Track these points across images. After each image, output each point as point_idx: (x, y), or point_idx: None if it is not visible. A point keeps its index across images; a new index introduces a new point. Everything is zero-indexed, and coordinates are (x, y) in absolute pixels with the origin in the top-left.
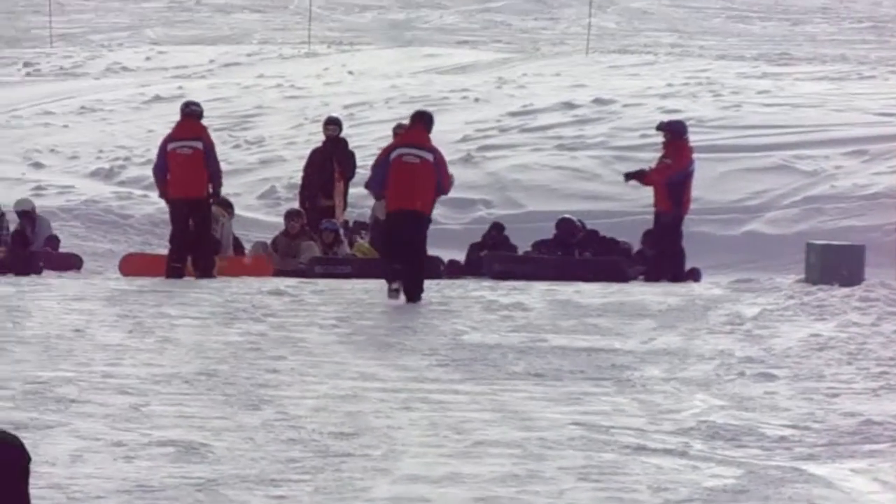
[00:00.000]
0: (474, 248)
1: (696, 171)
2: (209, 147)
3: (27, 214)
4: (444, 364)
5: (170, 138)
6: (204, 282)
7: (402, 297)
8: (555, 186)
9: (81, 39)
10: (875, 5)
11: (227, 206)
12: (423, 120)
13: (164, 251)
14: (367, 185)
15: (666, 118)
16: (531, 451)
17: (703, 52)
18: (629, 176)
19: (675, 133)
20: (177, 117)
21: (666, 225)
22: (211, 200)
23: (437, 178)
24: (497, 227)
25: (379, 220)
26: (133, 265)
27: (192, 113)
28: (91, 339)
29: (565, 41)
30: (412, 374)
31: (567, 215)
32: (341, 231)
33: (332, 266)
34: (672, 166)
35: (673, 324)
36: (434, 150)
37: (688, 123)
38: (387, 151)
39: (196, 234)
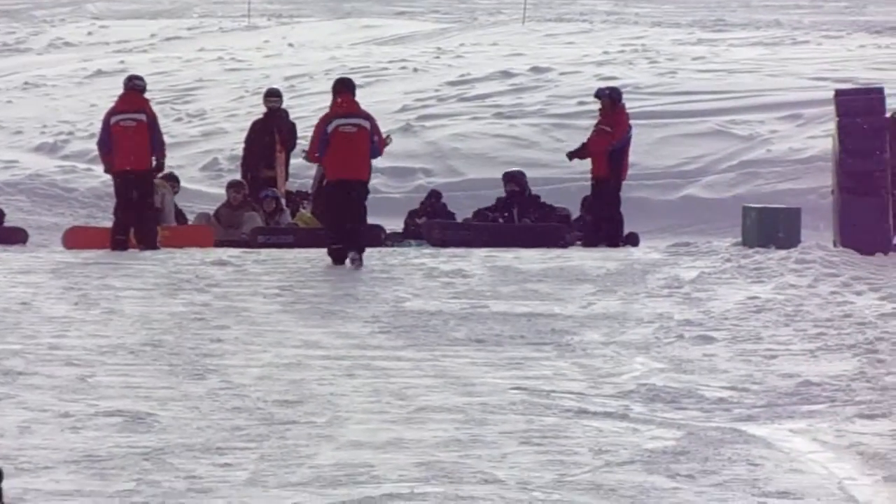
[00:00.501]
0: (412, 216)
1: (634, 137)
2: (152, 119)
3: None
4: (386, 331)
5: (113, 111)
6: (148, 253)
7: (348, 262)
8: (493, 154)
9: (24, 15)
10: None
11: (173, 180)
12: (349, 87)
13: (108, 224)
14: (308, 157)
15: (602, 85)
16: (473, 416)
17: (638, 20)
18: (572, 155)
19: (612, 99)
20: (119, 91)
21: (604, 191)
22: (155, 173)
23: (371, 143)
24: (434, 195)
25: (321, 188)
26: (76, 238)
27: (135, 87)
28: (37, 312)
29: (502, 10)
30: (355, 342)
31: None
32: (283, 200)
33: (274, 236)
34: (612, 134)
35: (612, 288)
36: (368, 116)
37: (624, 90)
38: (324, 122)
39: (139, 206)
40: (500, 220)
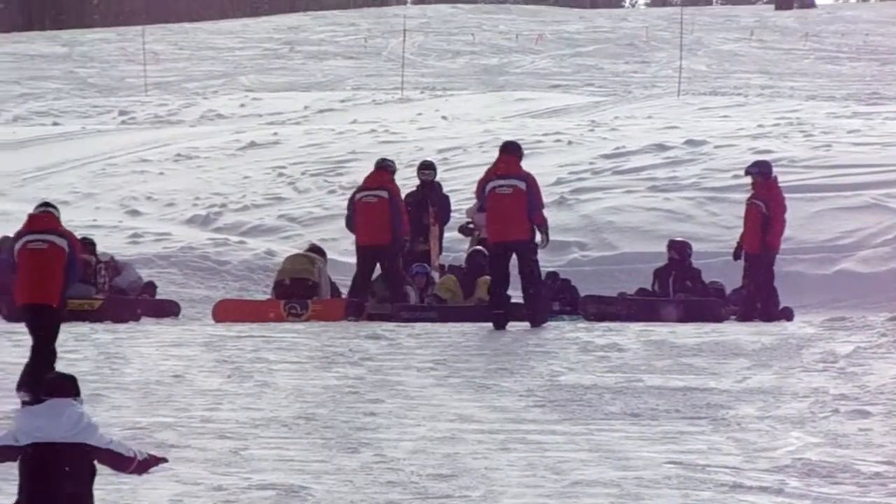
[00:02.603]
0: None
1: (789, 210)
2: (394, 196)
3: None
4: (541, 405)
5: (358, 188)
6: (300, 326)
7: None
8: (648, 228)
9: (176, 87)
10: None
11: (320, 252)
12: (510, 149)
13: (259, 296)
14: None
15: (757, 158)
16: (628, 491)
17: (793, 93)
18: (736, 255)
19: (763, 174)
20: (270, 163)
21: (756, 265)
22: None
23: (530, 204)
24: (551, 276)
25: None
26: (226, 311)
27: (384, 167)
28: (190, 385)
29: (656, 84)
30: (509, 416)
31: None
32: (435, 275)
33: (417, 312)
34: (776, 219)
35: (767, 362)
36: (527, 177)
37: (779, 164)
38: (482, 183)
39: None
40: (655, 288)
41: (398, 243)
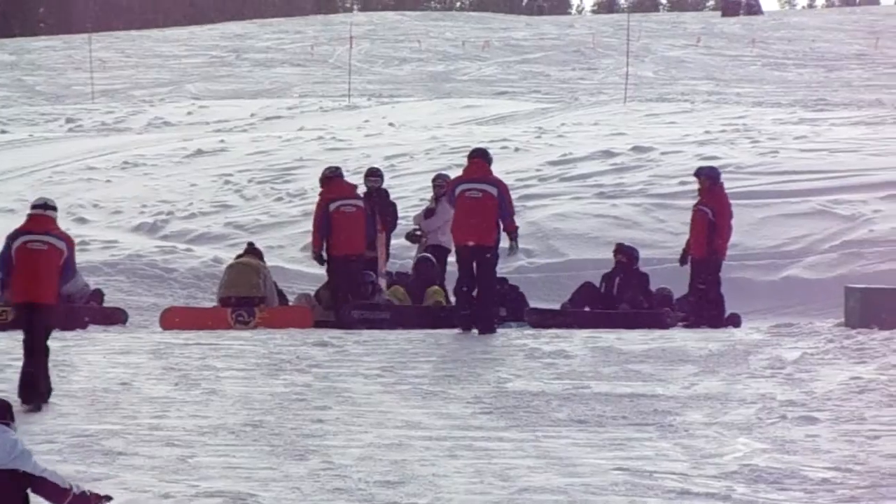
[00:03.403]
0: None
1: (735, 216)
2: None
3: None
4: (488, 412)
5: (331, 199)
6: (247, 334)
7: (474, 331)
8: (595, 234)
9: (123, 95)
10: None
11: (259, 255)
12: (479, 154)
13: (206, 304)
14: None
15: (703, 164)
16: (576, 498)
17: (739, 100)
18: (682, 260)
19: (711, 179)
20: (217, 171)
21: (701, 271)
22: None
23: (499, 211)
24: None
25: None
26: (172, 319)
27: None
28: (137, 392)
29: (603, 90)
30: (457, 422)
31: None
32: (382, 282)
33: (369, 312)
34: (723, 225)
35: (714, 369)
36: (498, 183)
37: (725, 170)
38: (451, 185)
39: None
40: (601, 289)
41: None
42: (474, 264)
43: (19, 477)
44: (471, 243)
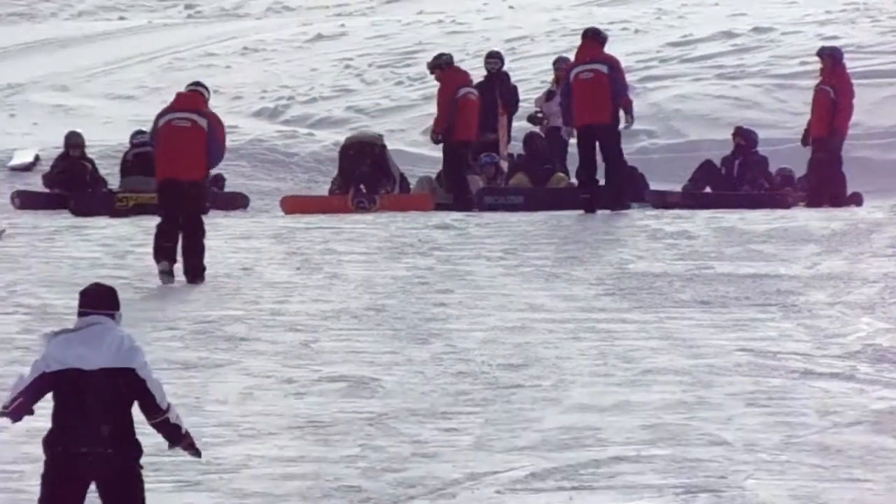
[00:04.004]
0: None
1: (857, 96)
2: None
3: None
4: (610, 293)
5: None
6: (370, 217)
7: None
8: (716, 115)
9: None
10: None
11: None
12: (590, 35)
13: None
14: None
15: (824, 45)
16: (699, 378)
17: None
18: (805, 141)
19: (834, 58)
20: (337, 55)
21: (824, 150)
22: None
23: (613, 87)
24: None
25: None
26: (293, 206)
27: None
28: (259, 277)
29: None
30: (580, 304)
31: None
32: (504, 164)
33: (502, 196)
34: (845, 104)
35: (837, 248)
36: (609, 60)
37: (846, 50)
38: (566, 71)
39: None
40: (722, 172)
41: None
42: (596, 144)
43: (128, 378)
44: (588, 123)
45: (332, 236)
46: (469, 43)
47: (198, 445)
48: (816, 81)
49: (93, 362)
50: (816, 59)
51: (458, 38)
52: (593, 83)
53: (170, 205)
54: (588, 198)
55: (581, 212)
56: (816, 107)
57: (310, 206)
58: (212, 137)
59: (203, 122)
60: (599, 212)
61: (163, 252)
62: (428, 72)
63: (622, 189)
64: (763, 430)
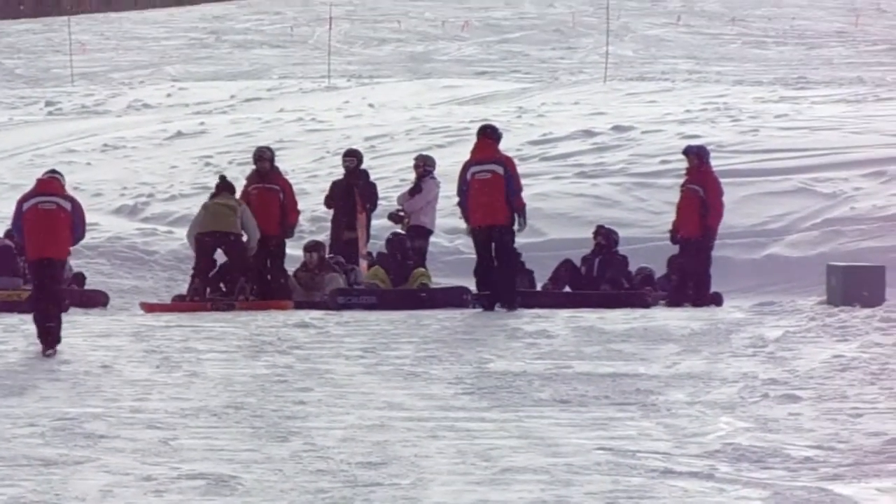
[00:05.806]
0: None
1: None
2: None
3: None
4: (469, 392)
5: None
6: (229, 315)
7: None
8: (576, 214)
9: (102, 78)
10: (890, 28)
11: (232, 190)
12: (485, 133)
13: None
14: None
15: (685, 144)
16: (558, 477)
17: (719, 78)
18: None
19: (700, 157)
20: (197, 153)
21: (693, 250)
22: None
23: (508, 188)
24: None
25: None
26: (151, 308)
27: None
28: (119, 375)
29: (583, 70)
30: (438, 403)
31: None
32: (362, 263)
33: (355, 297)
34: (715, 203)
35: (696, 348)
36: (505, 161)
37: (707, 149)
38: (463, 169)
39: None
40: (582, 271)
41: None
42: (492, 245)
43: None
44: (484, 224)
45: (191, 334)
46: (329, 141)
47: None
48: (681, 180)
49: None
50: (677, 157)
51: (318, 136)
52: (490, 184)
53: (43, 280)
54: (488, 295)
55: (478, 309)
56: (685, 206)
57: (169, 310)
58: (76, 219)
59: (67, 205)
60: (464, 311)
61: (46, 337)
62: (288, 170)
63: (513, 289)
64: None
